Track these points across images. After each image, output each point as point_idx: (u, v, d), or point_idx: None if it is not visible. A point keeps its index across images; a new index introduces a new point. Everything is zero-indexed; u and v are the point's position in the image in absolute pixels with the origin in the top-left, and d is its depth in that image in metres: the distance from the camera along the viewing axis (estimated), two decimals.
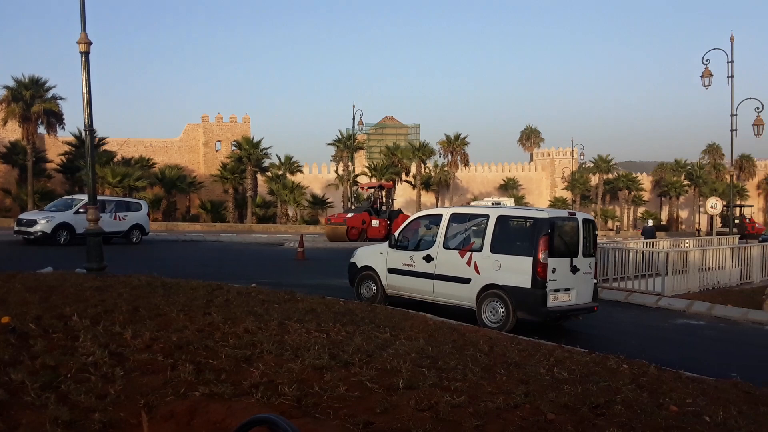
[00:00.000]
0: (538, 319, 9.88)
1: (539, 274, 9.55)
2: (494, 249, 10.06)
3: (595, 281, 10.70)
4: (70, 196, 27.12)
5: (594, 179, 72.98)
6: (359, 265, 12.16)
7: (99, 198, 22.95)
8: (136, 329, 6.02)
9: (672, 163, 76.57)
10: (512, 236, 10.23)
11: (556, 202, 71.22)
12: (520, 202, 63.67)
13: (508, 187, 74.41)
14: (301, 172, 59.67)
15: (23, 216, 23.87)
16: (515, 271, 9.77)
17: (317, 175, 68.08)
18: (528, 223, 10.05)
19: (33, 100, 43.13)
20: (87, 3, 11.44)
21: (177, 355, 5.25)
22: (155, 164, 57.07)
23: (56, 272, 11.06)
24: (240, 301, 8.38)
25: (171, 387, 4.46)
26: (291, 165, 57.10)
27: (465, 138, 64.22)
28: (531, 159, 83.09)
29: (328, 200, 60.47)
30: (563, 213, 10.67)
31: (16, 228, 22.84)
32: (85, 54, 11.67)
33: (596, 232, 10.93)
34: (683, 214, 77.48)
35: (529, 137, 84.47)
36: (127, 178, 45.87)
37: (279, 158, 57.11)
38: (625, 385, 5.65)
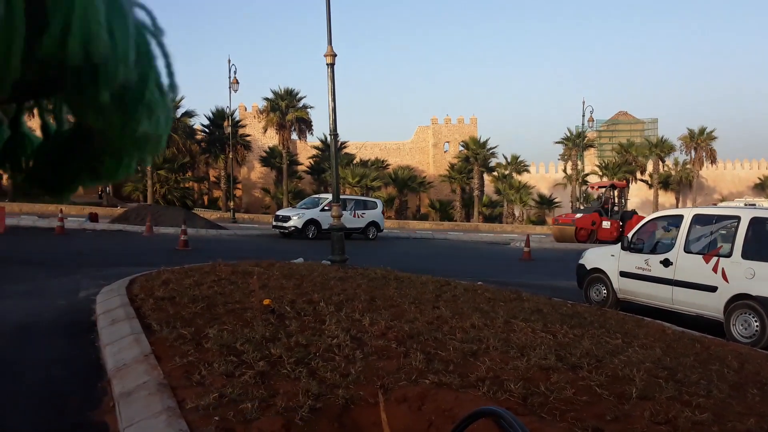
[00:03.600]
0: None
1: None
2: (747, 255, 8.95)
3: None
4: (317, 195, 30.21)
5: None
6: (588, 267, 11.69)
7: (341, 197, 25.28)
8: (373, 317, 6.53)
9: None
10: None
11: None
12: None
13: (767, 186, 65.25)
14: (527, 171, 58.89)
15: (279, 212, 27.29)
16: None
17: (544, 175, 66.49)
18: None
19: (287, 110, 48.69)
20: (332, 18, 12.62)
21: (409, 344, 5.59)
22: (389, 165, 60.64)
23: (306, 262, 12.35)
24: (467, 297, 8.60)
25: (404, 373, 4.77)
26: (517, 164, 56.68)
27: (711, 132, 57.94)
28: None
29: (556, 200, 58.79)
30: None
31: (274, 223, 26.29)
32: (331, 65, 12.76)
33: None
34: None
35: None
36: (364, 179, 49.56)
37: (505, 158, 57.10)
38: None
